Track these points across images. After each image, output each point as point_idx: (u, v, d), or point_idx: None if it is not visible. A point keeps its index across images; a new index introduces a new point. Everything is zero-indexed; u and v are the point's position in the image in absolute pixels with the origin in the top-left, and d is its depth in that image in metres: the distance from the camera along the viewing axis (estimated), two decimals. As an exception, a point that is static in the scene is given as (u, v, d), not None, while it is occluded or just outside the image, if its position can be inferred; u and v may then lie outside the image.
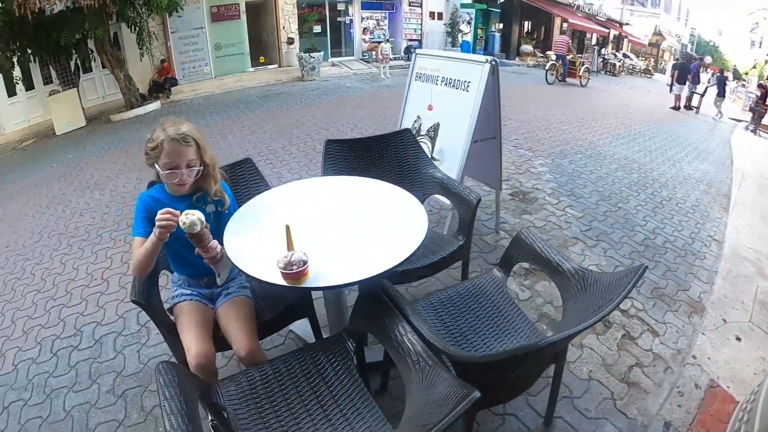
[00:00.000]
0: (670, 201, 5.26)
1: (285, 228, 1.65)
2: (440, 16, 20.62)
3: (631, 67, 26.17)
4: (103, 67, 12.83)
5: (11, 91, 12.15)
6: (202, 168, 1.92)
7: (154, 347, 2.92)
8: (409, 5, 19.89)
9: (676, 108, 14.19)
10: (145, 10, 11.83)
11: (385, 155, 3.18)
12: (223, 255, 1.86)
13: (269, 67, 17.04)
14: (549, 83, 15.69)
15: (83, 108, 11.95)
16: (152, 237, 1.75)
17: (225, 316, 1.98)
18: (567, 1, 26.26)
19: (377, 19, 19.70)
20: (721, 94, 14.43)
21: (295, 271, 1.54)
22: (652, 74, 28.18)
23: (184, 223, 1.70)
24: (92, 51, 11.84)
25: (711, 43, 48.04)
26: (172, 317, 2.05)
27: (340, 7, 18.81)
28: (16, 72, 11.25)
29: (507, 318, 2.09)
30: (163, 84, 13.62)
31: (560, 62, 16.05)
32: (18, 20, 9.57)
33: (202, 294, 2.08)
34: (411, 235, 1.82)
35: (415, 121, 4.08)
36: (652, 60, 32.90)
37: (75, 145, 9.67)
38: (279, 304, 2.18)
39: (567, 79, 16.28)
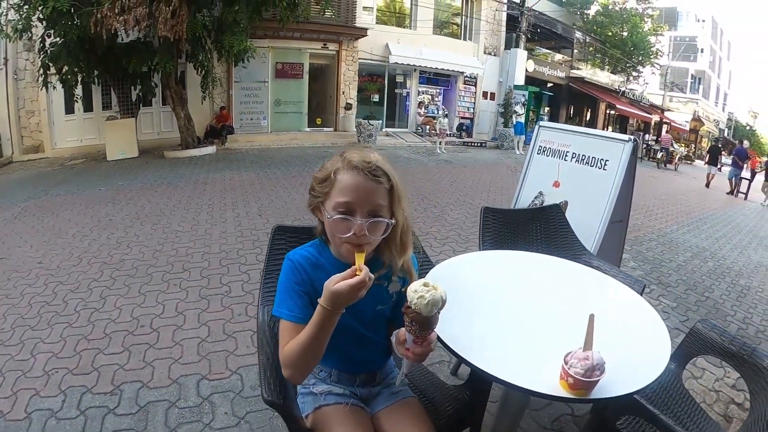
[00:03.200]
0: (750, 290, 5.22)
1: (588, 318, 1.21)
2: (492, 96, 20.74)
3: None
4: (164, 103, 12.87)
5: (69, 109, 12.26)
6: (392, 222, 1.25)
7: (221, 432, 2.24)
8: (464, 83, 20.04)
9: (707, 185, 16.22)
10: (215, 54, 11.95)
11: (534, 230, 2.84)
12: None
13: (325, 129, 16.95)
14: (659, 168, 20.39)
15: (138, 140, 11.83)
16: (321, 313, 1.14)
17: (397, 427, 1.38)
18: (612, 87, 27.14)
19: (432, 95, 19.83)
20: None
21: (595, 378, 1.16)
22: (693, 160, 28.60)
23: (420, 298, 1.10)
24: (156, 85, 11.91)
25: (747, 127, 48.24)
26: (306, 422, 1.41)
27: (399, 79, 19.02)
28: (78, 91, 11.27)
29: (692, 418, 1.85)
30: (220, 130, 13.58)
31: (664, 153, 21.47)
32: (90, 39, 9.62)
33: (357, 395, 1.45)
34: (644, 342, 1.50)
35: (536, 197, 3.77)
36: (692, 146, 33.00)
37: (126, 173, 9.36)
38: (446, 406, 1.63)
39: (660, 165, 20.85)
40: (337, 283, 1.09)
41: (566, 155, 3.69)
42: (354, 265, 1.14)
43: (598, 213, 3.29)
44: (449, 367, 2.82)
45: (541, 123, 4.10)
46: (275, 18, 11.93)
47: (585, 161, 3.54)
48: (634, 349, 1.42)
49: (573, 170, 3.61)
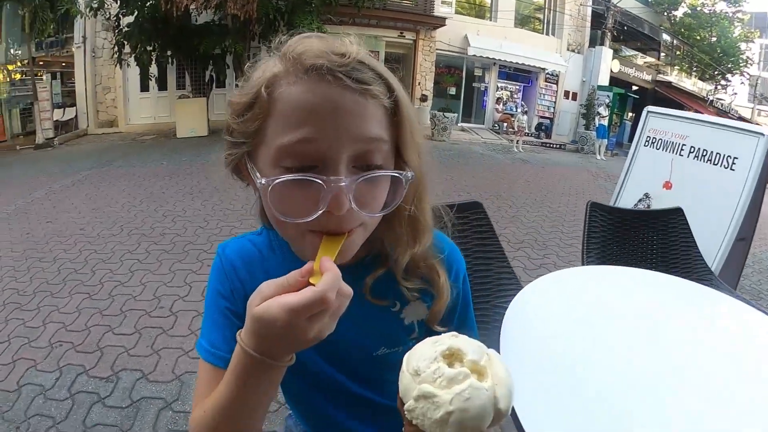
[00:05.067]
0: None
1: None
2: (574, 96, 19.34)
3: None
4: (236, 85, 12.81)
5: (144, 87, 12.57)
6: (408, 176, 0.59)
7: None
8: (545, 81, 18.83)
9: None
10: (287, 37, 11.78)
11: (648, 238, 2.17)
12: None
13: None
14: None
15: (209, 119, 11.84)
16: (241, 363, 0.53)
17: None
18: (699, 95, 24.83)
19: (511, 91, 18.81)
20: None
21: None
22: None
23: (426, 400, 0.45)
24: (228, 66, 11.86)
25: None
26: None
27: (477, 72, 18.17)
28: (153, 70, 11.48)
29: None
30: (290, 115, 13.42)
31: None
32: (163, 19, 9.65)
33: None
34: None
35: (641, 200, 3.10)
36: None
37: (192, 150, 9.33)
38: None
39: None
40: (265, 299, 0.49)
41: (682, 149, 3.03)
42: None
43: (722, 225, 2.65)
44: None
45: (650, 108, 3.44)
46: (351, 2, 11.59)
47: (706, 157, 2.87)
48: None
49: (690, 168, 2.96)
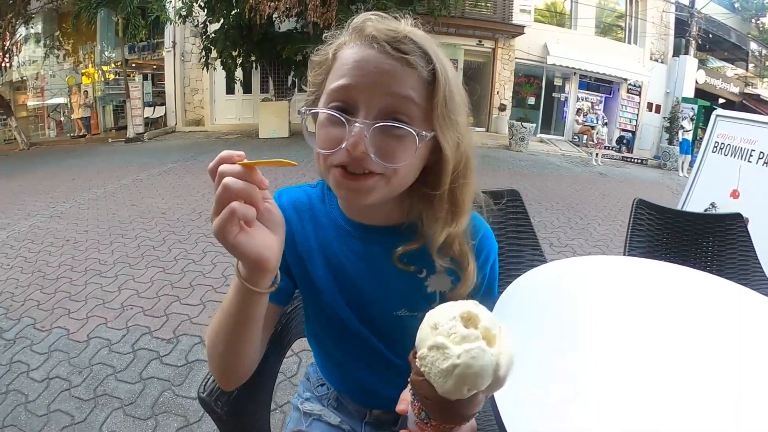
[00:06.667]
0: None
1: None
2: (658, 108, 18.19)
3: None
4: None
5: (230, 90, 13.42)
6: (424, 135, 0.65)
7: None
8: (628, 92, 17.90)
9: None
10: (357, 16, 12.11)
11: (703, 244, 1.95)
12: None
13: (476, 129, 16.07)
14: None
15: (290, 122, 12.31)
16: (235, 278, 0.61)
17: None
18: None
19: (592, 102, 18.05)
20: None
21: None
22: None
23: (439, 351, 0.50)
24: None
25: None
26: None
27: (557, 82, 17.61)
28: (238, 74, 12.19)
29: None
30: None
31: None
32: (248, 26, 10.23)
33: None
34: None
35: (707, 210, 2.91)
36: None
37: (272, 149, 9.78)
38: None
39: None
40: None
41: (751, 155, 2.83)
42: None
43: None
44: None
45: (719, 112, 3.25)
46: (429, 12, 11.71)
47: (778, 164, 2.69)
48: None
49: (759, 176, 2.76)
